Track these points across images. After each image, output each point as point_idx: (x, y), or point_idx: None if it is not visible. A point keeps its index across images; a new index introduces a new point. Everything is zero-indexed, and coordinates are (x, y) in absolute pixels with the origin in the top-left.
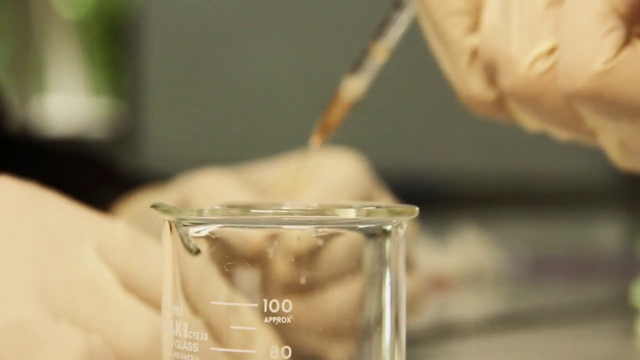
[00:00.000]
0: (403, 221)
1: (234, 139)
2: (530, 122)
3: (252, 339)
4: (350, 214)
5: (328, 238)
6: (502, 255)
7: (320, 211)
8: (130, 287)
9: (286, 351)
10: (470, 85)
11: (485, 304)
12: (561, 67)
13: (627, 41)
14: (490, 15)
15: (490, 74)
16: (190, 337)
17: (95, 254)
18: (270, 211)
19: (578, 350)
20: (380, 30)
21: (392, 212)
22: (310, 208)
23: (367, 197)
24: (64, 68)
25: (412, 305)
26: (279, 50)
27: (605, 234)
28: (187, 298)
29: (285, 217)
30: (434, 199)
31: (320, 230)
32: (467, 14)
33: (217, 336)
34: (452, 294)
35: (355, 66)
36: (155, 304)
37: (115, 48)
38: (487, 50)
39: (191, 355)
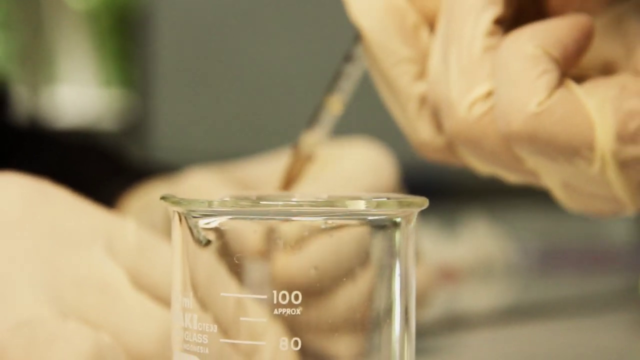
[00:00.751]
0: (413, 213)
1: (241, 131)
2: (481, 166)
3: (261, 331)
4: (360, 205)
5: (337, 230)
6: (512, 246)
7: (330, 203)
8: (140, 286)
9: (295, 343)
10: (420, 131)
11: (494, 296)
12: (498, 110)
13: (560, 83)
14: (433, 62)
15: (438, 119)
16: (200, 329)
17: (105, 252)
18: (280, 203)
19: (587, 342)
20: (333, 83)
21: (402, 204)
22: (319, 199)
23: (386, 190)
24: (74, 59)
25: (422, 297)
26: (287, 43)
27: (615, 226)
28: (197, 290)
29: (295, 209)
30: (444, 191)
31: (329, 222)
32: (414, 62)
33: (226, 328)
34: (462, 286)
35: (312, 120)
36: (165, 303)
37: (125, 40)
38: (432, 96)
39: (201, 347)
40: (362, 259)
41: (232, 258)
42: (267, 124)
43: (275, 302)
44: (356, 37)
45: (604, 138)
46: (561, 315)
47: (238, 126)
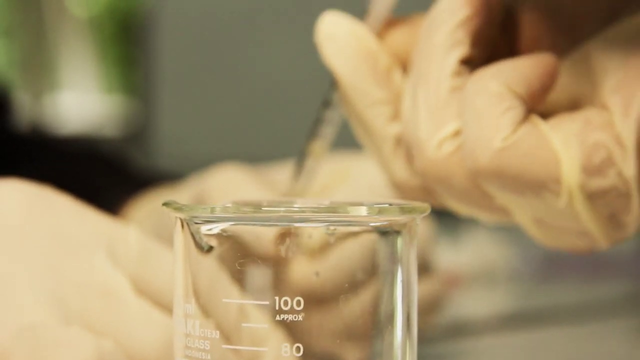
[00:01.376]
0: (415, 219)
1: (245, 137)
2: (457, 207)
3: (263, 337)
4: (362, 211)
5: (339, 236)
6: (514, 252)
7: (332, 209)
8: (142, 292)
9: (297, 349)
10: (396, 172)
11: (497, 302)
12: (465, 147)
13: (525, 119)
14: (405, 103)
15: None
16: (202, 335)
17: (108, 259)
18: (282, 209)
19: (590, 348)
20: (313, 130)
21: (404, 210)
22: (322, 206)
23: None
24: (76, 66)
25: (434, 306)
26: (290, 49)
27: None
28: (199, 296)
29: (297, 215)
30: None
31: (331, 228)
32: (387, 103)
33: (228, 334)
34: (464, 292)
35: (297, 169)
36: (167, 309)
37: (127, 46)
38: (405, 136)
39: (203, 353)
40: (364, 265)
41: (234, 264)
42: (269, 131)
43: (277, 308)
44: (332, 82)
45: (570, 171)
46: (564, 322)
47: (240, 133)
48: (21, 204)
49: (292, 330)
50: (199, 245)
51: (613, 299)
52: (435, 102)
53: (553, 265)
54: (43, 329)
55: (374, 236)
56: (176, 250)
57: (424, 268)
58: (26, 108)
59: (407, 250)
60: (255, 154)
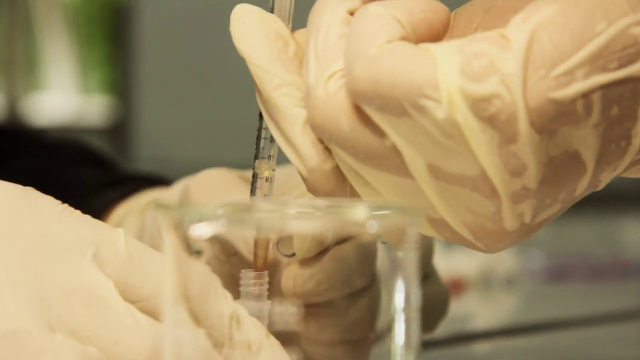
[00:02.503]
0: (414, 222)
1: (227, 139)
2: (367, 192)
3: (257, 345)
4: (359, 214)
5: (336, 239)
6: (517, 258)
7: (329, 212)
8: (130, 298)
9: (293, 356)
10: (307, 157)
11: (499, 308)
12: (345, 68)
13: (403, 39)
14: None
15: (325, 143)
16: (193, 343)
17: (94, 263)
18: (276, 212)
19: (595, 354)
20: (256, 148)
21: (402, 213)
22: (318, 208)
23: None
24: (56, 66)
25: (438, 311)
26: None
27: (631, 236)
28: (189, 301)
29: (292, 218)
30: None
31: (328, 231)
32: (296, 87)
33: (220, 342)
34: (466, 297)
35: (251, 190)
36: (156, 315)
37: (108, 46)
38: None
39: None
40: (362, 269)
41: (226, 268)
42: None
43: (272, 313)
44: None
45: (448, 73)
46: (567, 328)
47: (223, 134)
48: (4, 206)
49: (287, 337)
50: (189, 249)
51: (619, 304)
52: (323, 48)
53: (555, 270)
54: (26, 335)
55: (372, 240)
56: (165, 253)
57: (426, 273)
58: (3, 108)
59: (407, 254)
60: (238, 156)
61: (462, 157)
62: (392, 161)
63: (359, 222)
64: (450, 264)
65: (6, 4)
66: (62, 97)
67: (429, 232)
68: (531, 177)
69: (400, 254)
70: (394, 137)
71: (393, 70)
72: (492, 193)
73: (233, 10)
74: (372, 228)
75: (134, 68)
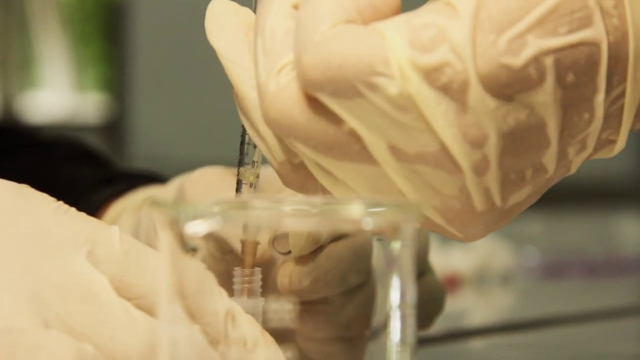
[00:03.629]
0: (411, 218)
1: (222, 137)
2: (333, 184)
3: (253, 342)
4: (355, 211)
5: (332, 237)
6: (512, 255)
7: (324, 209)
8: (125, 295)
9: (289, 353)
10: (276, 151)
11: (494, 303)
12: (294, 57)
13: (349, 22)
14: None
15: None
16: (188, 340)
17: (89, 260)
18: (272, 208)
19: (592, 349)
20: (240, 155)
21: (398, 210)
22: (313, 205)
23: None
24: (51, 64)
25: (437, 308)
26: None
27: (627, 232)
28: (184, 299)
29: (287, 215)
30: None
31: (323, 228)
32: None
33: (216, 339)
34: (462, 293)
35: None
36: (151, 313)
37: (103, 43)
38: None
39: (189, 359)
40: (358, 266)
41: (221, 265)
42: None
43: (267, 311)
44: None
45: (397, 47)
46: (562, 324)
47: (218, 131)
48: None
49: (283, 334)
50: (184, 246)
51: (615, 300)
52: (270, 43)
53: (552, 266)
54: (21, 332)
55: (368, 236)
56: (161, 251)
57: (421, 269)
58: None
59: (403, 250)
60: (233, 154)
61: (421, 133)
62: (352, 147)
63: (354, 220)
64: (445, 260)
65: (1, 2)
66: (57, 94)
67: None
68: (492, 147)
69: (395, 250)
70: (351, 121)
71: (341, 52)
72: (455, 168)
73: (209, 5)
74: (368, 225)
75: (129, 66)
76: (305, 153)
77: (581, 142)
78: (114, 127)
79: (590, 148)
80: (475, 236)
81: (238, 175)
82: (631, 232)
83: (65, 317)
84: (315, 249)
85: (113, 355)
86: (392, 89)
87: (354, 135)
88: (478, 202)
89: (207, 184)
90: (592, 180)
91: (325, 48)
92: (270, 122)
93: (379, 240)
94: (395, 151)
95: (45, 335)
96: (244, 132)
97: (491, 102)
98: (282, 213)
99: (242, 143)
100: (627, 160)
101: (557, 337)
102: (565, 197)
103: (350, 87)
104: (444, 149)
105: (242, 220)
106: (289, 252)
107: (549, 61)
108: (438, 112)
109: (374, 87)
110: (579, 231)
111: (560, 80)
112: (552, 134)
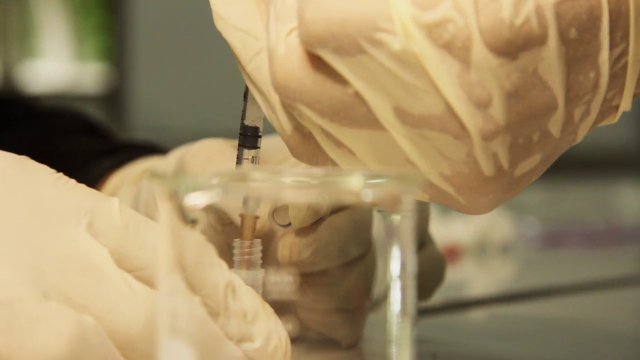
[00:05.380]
0: (410, 190)
1: (223, 106)
2: (340, 154)
3: (253, 314)
4: (355, 183)
5: (332, 208)
6: (512, 226)
7: (324, 181)
8: (126, 267)
9: (289, 324)
10: (286, 121)
11: (493, 276)
12: (298, 20)
13: None
14: None
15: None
16: (188, 312)
17: (89, 231)
18: (272, 180)
19: (592, 319)
20: (241, 125)
21: (398, 181)
22: (313, 177)
23: None
24: (51, 33)
25: (437, 279)
26: None
27: (627, 202)
28: (184, 271)
29: (287, 187)
30: None
31: (323, 200)
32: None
33: (216, 311)
34: (462, 264)
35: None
36: (152, 285)
37: (103, 13)
38: None
39: (189, 332)
40: (358, 238)
41: (221, 237)
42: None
43: (268, 283)
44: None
45: (399, 3)
46: (562, 294)
47: (218, 101)
48: None
49: (283, 306)
50: (184, 218)
51: (617, 271)
52: (282, 8)
53: (553, 236)
54: (20, 304)
55: (368, 208)
56: (160, 223)
57: (422, 240)
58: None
59: (403, 221)
60: (234, 124)
61: (425, 93)
62: (358, 111)
63: (354, 191)
64: (446, 231)
65: None
66: (57, 64)
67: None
68: (497, 108)
69: (395, 222)
70: (355, 81)
71: (343, 8)
72: (461, 131)
73: None
74: (368, 197)
75: (129, 35)
76: (313, 119)
77: (587, 104)
78: (114, 96)
79: (595, 112)
80: (485, 207)
81: (239, 147)
82: (631, 201)
83: (64, 289)
84: (315, 220)
85: (113, 327)
86: (395, 45)
87: (358, 97)
88: (486, 167)
89: (207, 156)
90: (593, 150)
91: (327, 4)
92: (278, 86)
93: (379, 211)
94: (400, 113)
95: (45, 307)
96: (245, 102)
97: (494, 60)
98: (282, 185)
99: (243, 118)
100: (628, 129)
101: (557, 307)
102: (566, 167)
103: (353, 43)
104: (449, 111)
105: (242, 192)
106: (289, 224)
107: (549, 15)
108: (441, 70)
109: (376, 43)
110: (579, 201)
111: (562, 36)
112: (558, 94)
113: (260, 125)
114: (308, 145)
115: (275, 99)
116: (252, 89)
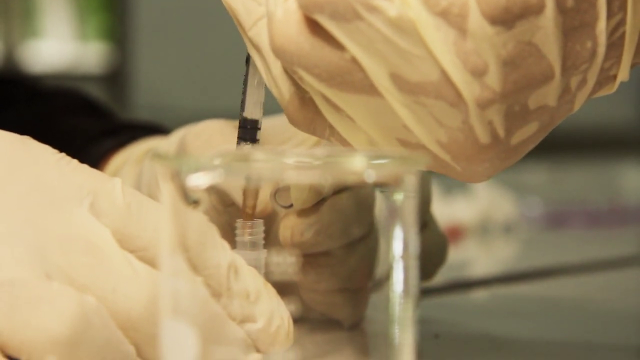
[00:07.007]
0: (413, 171)
1: (225, 86)
2: (339, 119)
3: (255, 295)
4: (357, 163)
5: (334, 189)
6: (515, 205)
7: (326, 161)
8: (128, 247)
9: (292, 305)
10: (285, 86)
11: (496, 256)
12: None
13: None
14: None
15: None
16: (191, 292)
17: (91, 212)
18: (274, 161)
19: (594, 299)
20: (242, 105)
21: (402, 161)
22: (315, 158)
23: None
24: (52, 13)
25: (439, 259)
26: None
27: (630, 182)
28: (187, 251)
29: (290, 167)
30: None
31: (325, 181)
32: None
33: (218, 292)
34: (465, 244)
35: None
36: (154, 266)
37: None
38: None
39: (191, 312)
40: (360, 218)
41: (223, 218)
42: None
43: (270, 263)
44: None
45: None
46: (565, 274)
47: (221, 81)
48: (0, 155)
49: (286, 287)
50: (186, 199)
51: (615, 251)
52: None
53: (554, 216)
54: (22, 284)
55: (370, 189)
56: (163, 203)
57: (424, 220)
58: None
59: (406, 202)
60: (236, 104)
61: (421, 60)
62: (355, 76)
63: (356, 172)
64: (448, 211)
65: None
66: (58, 44)
67: None
68: (493, 76)
69: (398, 202)
70: (352, 47)
71: None
72: (457, 98)
73: None
74: (370, 177)
75: (131, 14)
76: (311, 83)
77: (583, 73)
78: (116, 76)
79: (592, 82)
80: (481, 175)
81: (238, 139)
82: (634, 181)
83: (67, 269)
84: (318, 201)
85: (115, 307)
86: (391, 11)
87: (355, 62)
88: (481, 135)
89: (210, 137)
90: (595, 130)
91: None
92: (276, 50)
93: (381, 192)
94: (396, 79)
95: (47, 287)
96: (245, 82)
97: (490, 29)
98: (284, 165)
99: (244, 93)
100: (630, 109)
101: (560, 287)
102: (568, 146)
103: (349, 9)
104: (445, 78)
105: (244, 172)
106: (291, 205)
107: None
108: (437, 37)
109: (372, 9)
110: (581, 181)
111: (560, 5)
112: (554, 63)
113: (259, 116)
114: (306, 111)
115: (275, 64)
116: (253, 54)
